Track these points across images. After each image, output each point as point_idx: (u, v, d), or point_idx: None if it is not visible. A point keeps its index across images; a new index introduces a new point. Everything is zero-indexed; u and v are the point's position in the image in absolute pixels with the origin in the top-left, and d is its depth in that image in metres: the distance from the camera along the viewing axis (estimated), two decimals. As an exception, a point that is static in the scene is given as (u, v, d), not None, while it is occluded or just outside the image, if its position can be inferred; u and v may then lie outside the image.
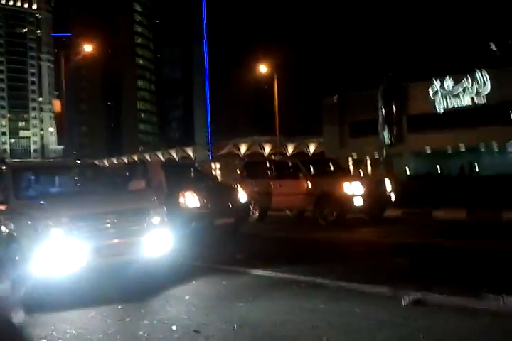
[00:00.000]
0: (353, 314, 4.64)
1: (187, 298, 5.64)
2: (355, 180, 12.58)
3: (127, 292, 5.91)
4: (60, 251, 5.85)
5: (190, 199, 10.25)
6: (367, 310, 4.70)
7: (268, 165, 14.83)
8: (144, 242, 6.45)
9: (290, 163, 14.06)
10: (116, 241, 6.29)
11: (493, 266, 6.65)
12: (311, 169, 13.48)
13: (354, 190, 12.10)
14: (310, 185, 12.79)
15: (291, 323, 4.48)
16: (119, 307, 5.35)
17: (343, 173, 15.02)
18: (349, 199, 12.00)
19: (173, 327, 4.52)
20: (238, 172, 17.01)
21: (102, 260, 6.14)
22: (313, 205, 12.61)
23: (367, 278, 5.93)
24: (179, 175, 11.89)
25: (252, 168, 15.63)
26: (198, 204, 10.28)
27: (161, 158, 62.33)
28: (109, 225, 6.34)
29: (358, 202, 12.04)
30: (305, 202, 12.82)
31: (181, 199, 10.23)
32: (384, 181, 13.10)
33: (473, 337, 3.94)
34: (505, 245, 8.03)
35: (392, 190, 12.88)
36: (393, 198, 12.86)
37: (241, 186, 12.07)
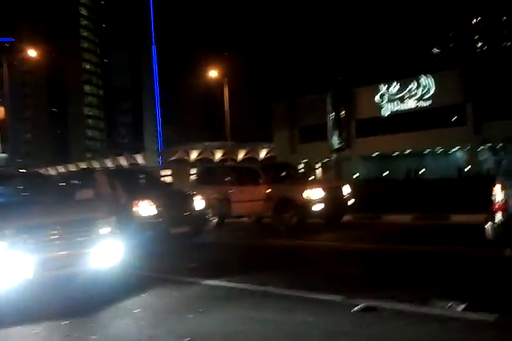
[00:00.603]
0: (304, 323, 4.63)
1: (136, 310, 5.50)
2: (315, 186, 12.62)
3: (74, 306, 5.73)
4: (3, 264, 5.61)
5: (145, 208, 9.98)
6: (319, 319, 4.70)
7: (226, 170, 14.71)
8: (92, 254, 6.26)
9: (249, 169, 13.99)
10: (63, 253, 6.08)
11: (441, 269, 6.82)
12: (270, 174, 13.41)
13: (314, 195, 12.09)
14: (270, 191, 12.72)
15: (242, 335, 4.43)
16: (66, 322, 5.17)
17: (302, 178, 15.11)
18: (309, 204, 12.00)
19: (123, 342, 4.40)
20: (195, 177, 16.67)
21: (47, 273, 5.92)
22: (273, 211, 12.54)
23: (319, 286, 5.97)
24: (132, 182, 11.59)
25: (210, 174, 15.45)
26: (152, 213, 10.02)
27: (111, 165, 61.16)
28: (55, 236, 6.13)
29: (318, 207, 12.05)
30: (265, 208, 12.72)
31: (135, 208, 9.95)
32: (342, 186, 13.18)
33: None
34: (454, 249, 8.24)
35: (350, 195, 12.99)
36: (351, 203, 12.99)
37: (198, 192, 11.87)
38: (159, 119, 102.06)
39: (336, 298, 5.38)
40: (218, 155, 63.87)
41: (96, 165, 62.00)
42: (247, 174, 13.66)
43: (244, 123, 66.51)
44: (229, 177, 14.04)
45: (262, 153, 65.94)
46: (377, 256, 8.21)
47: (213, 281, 6.68)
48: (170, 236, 10.27)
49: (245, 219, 14.62)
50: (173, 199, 11.04)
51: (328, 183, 13.76)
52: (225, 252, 9.91)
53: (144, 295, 6.26)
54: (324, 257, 8.65)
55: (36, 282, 5.84)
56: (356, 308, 4.88)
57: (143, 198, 10.08)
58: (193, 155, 63.82)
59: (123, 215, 9.45)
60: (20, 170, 11.37)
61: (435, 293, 5.27)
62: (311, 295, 5.57)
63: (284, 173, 14.43)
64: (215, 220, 13.94)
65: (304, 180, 14.52)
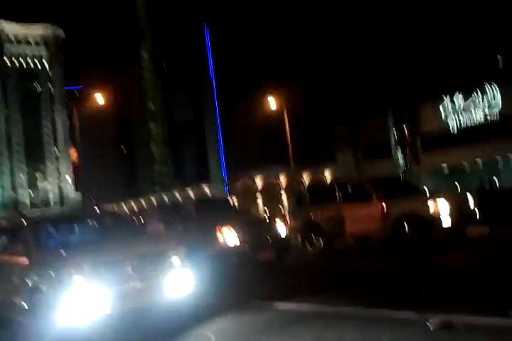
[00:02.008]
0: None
1: (211, 336, 5.61)
2: (439, 197, 11.23)
3: (152, 335, 5.90)
4: (83, 298, 5.89)
5: (229, 235, 9.88)
6: (393, 338, 4.62)
7: (335, 188, 13.35)
8: (165, 285, 6.47)
9: (359, 185, 12.76)
10: (138, 285, 6.32)
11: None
12: (384, 190, 12.10)
13: (440, 209, 10.77)
14: (385, 207, 11.48)
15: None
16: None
17: (419, 192, 13.65)
18: (436, 219, 10.68)
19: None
20: (299, 198, 15.20)
21: (125, 305, 6.16)
22: (392, 229, 11.22)
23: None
24: (213, 210, 11.50)
25: (316, 193, 14.42)
26: (237, 240, 9.90)
27: (179, 196, 62.56)
28: (130, 270, 6.38)
29: (446, 221, 10.70)
30: (380, 226, 11.43)
31: (219, 236, 9.87)
32: (467, 197, 11.89)
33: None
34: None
35: (476, 206, 11.66)
36: (477, 215, 11.62)
37: (309, 212, 11.70)
38: (222, 150, 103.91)
39: (411, 315, 5.25)
40: (283, 179, 64.04)
41: (165, 197, 63.59)
42: (357, 190, 12.40)
43: (305, 148, 66.46)
44: (339, 195, 12.77)
45: (327, 174, 65.54)
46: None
47: (286, 304, 6.70)
48: (255, 262, 10.09)
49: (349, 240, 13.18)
50: (256, 226, 10.96)
51: (450, 195, 12.27)
52: (314, 278, 9.31)
53: (218, 321, 6.36)
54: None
55: (115, 314, 6.08)
56: (434, 325, 4.75)
57: (225, 225, 9.97)
58: (258, 181, 64.33)
59: (207, 243, 9.73)
60: (95, 210, 11.95)
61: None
62: (384, 314, 5.48)
63: (398, 188, 13.04)
64: (322, 242, 12.65)
65: (422, 194, 13.17)
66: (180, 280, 6.58)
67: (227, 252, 9.69)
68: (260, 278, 9.69)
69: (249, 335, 5.49)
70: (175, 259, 6.73)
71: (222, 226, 9.91)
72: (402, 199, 11.59)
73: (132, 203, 69.42)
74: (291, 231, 11.90)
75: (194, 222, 10.58)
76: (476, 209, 11.67)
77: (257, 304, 7.08)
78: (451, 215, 10.75)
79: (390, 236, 11.42)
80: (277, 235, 10.72)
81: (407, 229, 11.01)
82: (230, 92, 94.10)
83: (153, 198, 62.51)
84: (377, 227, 11.46)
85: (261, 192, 62.96)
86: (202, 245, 9.70)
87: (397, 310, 5.57)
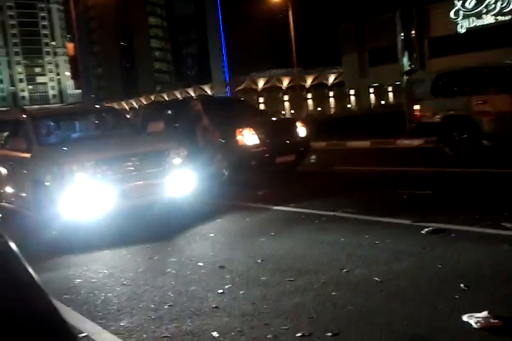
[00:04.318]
0: (372, 245, 4.76)
1: (211, 235, 5.82)
2: None
3: (153, 232, 6.12)
4: (86, 194, 6.03)
5: (249, 137, 9.33)
6: (386, 242, 4.80)
7: (469, 74, 10.64)
8: (166, 183, 6.59)
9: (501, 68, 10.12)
10: (139, 183, 6.44)
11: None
12: None
13: None
14: None
15: (312, 256, 4.62)
16: (147, 246, 5.56)
17: None
18: None
19: (200, 264, 4.71)
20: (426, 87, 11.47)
21: (126, 202, 6.32)
22: None
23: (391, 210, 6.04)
24: (228, 110, 10.84)
25: (448, 82, 11.14)
26: (257, 142, 9.37)
27: (179, 96, 61.98)
28: (132, 168, 6.46)
29: None
30: None
31: (239, 137, 9.34)
32: None
33: (490, 263, 4.01)
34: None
35: None
36: None
37: (430, 106, 10.30)
38: (224, 48, 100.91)
39: (404, 221, 5.44)
40: (285, 82, 63.03)
41: (166, 97, 63.04)
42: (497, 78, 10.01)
43: (310, 49, 64.53)
44: (477, 84, 10.30)
45: (331, 79, 64.44)
46: (450, 179, 8.07)
47: (284, 207, 6.89)
48: (274, 165, 9.75)
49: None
50: (276, 127, 10.43)
51: None
52: (319, 181, 9.39)
53: (217, 221, 6.57)
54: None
55: (117, 210, 6.26)
56: (426, 230, 4.93)
57: (246, 126, 9.41)
58: (260, 83, 63.34)
59: (226, 144, 9.45)
60: (96, 106, 11.85)
61: (507, 216, 5.20)
62: (378, 219, 5.67)
63: None
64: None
65: None
66: (181, 180, 6.69)
67: (245, 154, 9.28)
68: (270, 182, 9.65)
69: (248, 234, 5.69)
70: (176, 159, 6.79)
71: (243, 127, 9.37)
72: None
73: (133, 102, 68.88)
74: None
75: (204, 121, 10.06)
76: None
77: (257, 206, 7.25)
78: None
79: None
80: (298, 136, 10.18)
81: None
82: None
83: (153, 97, 61.89)
84: None
85: (261, 93, 62.21)
86: (223, 146, 9.53)
87: (392, 215, 5.75)
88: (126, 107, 71.00)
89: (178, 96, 63.20)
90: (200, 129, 10.01)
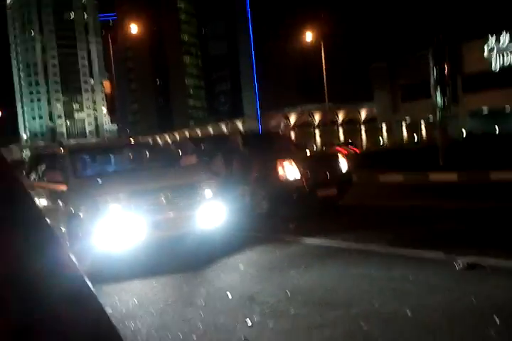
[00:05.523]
0: (404, 279, 4.67)
1: (241, 267, 5.81)
2: None
3: (184, 263, 6.14)
4: (119, 225, 6.13)
5: (290, 169, 9.23)
6: (418, 275, 4.72)
7: None
8: (198, 216, 6.65)
9: None
10: (171, 215, 6.51)
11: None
12: None
13: None
14: None
15: (342, 289, 4.57)
16: (177, 277, 5.59)
17: None
18: None
19: (229, 295, 4.69)
20: None
21: (159, 233, 6.39)
22: None
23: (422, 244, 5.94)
24: (268, 145, 10.75)
25: None
26: (298, 175, 9.26)
27: (212, 131, 62.87)
28: (164, 200, 6.55)
29: None
30: None
31: (280, 170, 9.24)
32: None
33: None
34: None
35: None
36: None
37: None
38: (256, 85, 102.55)
39: (438, 255, 5.34)
40: (317, 117, 63.40)
41: (199, 131, 63.99)
42: None
43: (342, 85, 64.99)
44: None
45: (363, 113, 64.53)
46: (483, 214, 7.93)
47: (315, 240, 6.85)
48: (316, 199, 9.56)
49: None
50: (317, 160, 10.38)
51: None
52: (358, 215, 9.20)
53: (247, 253, 6.56)
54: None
55: (149, 242, 6.33)
56: (459, 265, 4.82)
57: (285, 159, 9.30)
58: (292, 118, 63.84)
59: (266, 178, 9.34)
60: (130, 140, 12.13)
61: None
62: (410, 253, 5.58)
63: None
64: None
65: None
66: (212, 212, 6.74)
67: (286, 187, 9.17)
68: (310, 215, 9.49)
69: (278, 267, 5.65)
70: (208, 191, 6.86)
71: (283, 159, 9.27)
72: None
73: (166, 136, 70.12)
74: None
75: (242, 155, 10.01)
76: None
77: (287, 239, 7.21)
78: None
79: None
80: (339, 170, 10.04)
81: None
82: (266, 25, 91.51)
83: (187, 132, 62.94)
84: None
85: (293, 129, 62.59)
86: (263, 179, 9.42)
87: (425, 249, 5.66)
88: (160, 141, 72.35)
89: (211, 130, 64.15)
90: (238, 161, 10.00)
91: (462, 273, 4.69)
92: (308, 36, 39.83)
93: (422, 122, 48.68)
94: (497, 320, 3.43)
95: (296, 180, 9.15)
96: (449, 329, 3.42)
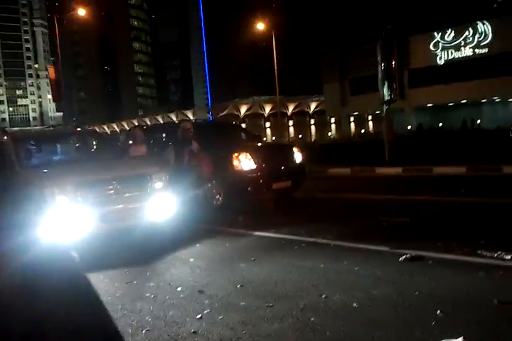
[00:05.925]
0: (351, 271, 4.79)
1: (191, 260, 5.79)
2: None
3: (132, 256, 6.07)
4: (66, 217, 5.98)
5: (245, 161, 9.01)
6: (365, 268, 4.84)
7: None
8: (147, 207, 6.57)
9: None
10: (120, 206, 6.41)
11: (492, 220, 6.80)
12: None
13: None
14: None
15: (291, 282, 4.64)
16: (126, 270, 5.51)
17: None
18: None
19: (178, 288, 4.68)
20: None
21: (107, 225, 6.28)
22: None
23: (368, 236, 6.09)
24: (222, 135, 10.44)
25: None
26: (253, 167, 9.04)
27: (162, 121, 62.08)
28: (112, 191, 6.44)
29: None
30: None
31: (235, 162, 9.03)
32: None
33: (466, 290, 4.07)
34: (505, 200, 8.15)
35: None
36: None
37: None
38: (207, 75, 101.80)
39: (383, 248, 5.50)
40: (267, 109, 63.64)
41: (148, 121, 63.06)
42: None
43: (293, 77, 65.45)
44: None
45: (312, 106, 65.26)
46: (427, 207, 8.22)
47: (266, 233, 6.91)
48: (271, 191, 9.40)
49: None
50: (272, 152, 10.13)
51: None
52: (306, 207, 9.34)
53: (197, 245, 6.55)
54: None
55: (97, 234, 6.21)
56: (403, 257, 4.99)
57: (242, 151, 9.12)
58: (243, 110, 63.82)
59: (220, 169, 8.99)
60: (77, 129, 11.80)
61: (483, 244, 5.31)
62: (357, 246, 5.72)
63: None
64: None
65: None
66: (162, 204, 6.68)
67: (241, 179, 8.97)
68: (263, 207, 9.52)
69: (228, 259, 5.68)
70: (158, 183, 6.79)
71: (238, 151, 9.09)
72: None
73: (114, 126, 68.72)
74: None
75: (194, 145, 9.43)
76: None
77: (238, 231, 7.24)
78: None
79: None
80: (294, 162, 9.96)
81: None
82: (218, 15, 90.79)
83: (135, 122, 61.89)
84: None
85: (243, 120, 62.60)
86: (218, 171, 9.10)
87: (371, 242, 5.82)
88: (108, 131, 70.83)
89: (160, 120, 63.30)
90: (190, 152, 9.77)
91: (406, 265, 4.85)
92: (260, 26, 39.75)
93: (370, 117, 49.71)
94: (439, 311, 3.59)
95: (251, 172, 8.98)
96: (395, 320, 3.54)
